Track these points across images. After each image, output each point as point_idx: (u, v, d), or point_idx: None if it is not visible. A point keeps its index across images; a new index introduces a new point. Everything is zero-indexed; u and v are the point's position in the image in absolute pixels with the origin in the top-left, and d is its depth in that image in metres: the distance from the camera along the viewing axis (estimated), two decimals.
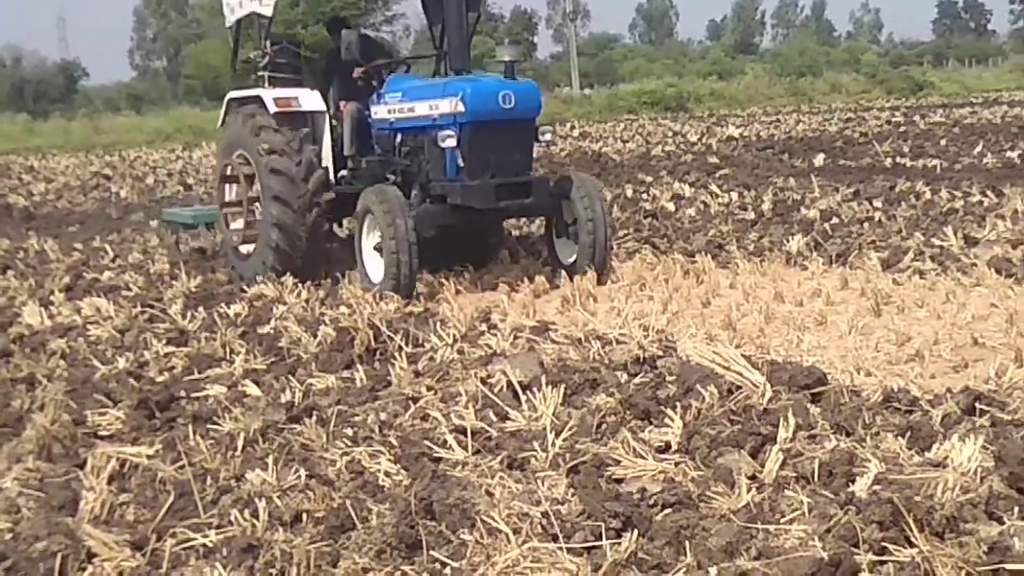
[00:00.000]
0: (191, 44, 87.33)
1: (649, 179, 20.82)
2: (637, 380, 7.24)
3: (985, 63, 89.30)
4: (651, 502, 5.22)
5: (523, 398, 6.84)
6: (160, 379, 8.32)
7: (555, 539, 4.81)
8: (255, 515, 5.29)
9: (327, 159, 12.15)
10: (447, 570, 4.70)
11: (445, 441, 6.20)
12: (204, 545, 5.12)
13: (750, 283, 10.49)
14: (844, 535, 4.58)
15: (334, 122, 12.39)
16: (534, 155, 11.64)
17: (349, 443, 6.37)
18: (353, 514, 5.23)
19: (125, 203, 23.62)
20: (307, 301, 10.63)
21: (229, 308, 10.50)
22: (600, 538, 4.78)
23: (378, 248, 10.76)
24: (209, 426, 6.94)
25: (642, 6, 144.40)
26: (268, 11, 12.15)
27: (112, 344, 9.57)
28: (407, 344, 8.52)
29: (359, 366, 8.16)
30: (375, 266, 10.90)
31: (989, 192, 15.13)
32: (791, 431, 5.76)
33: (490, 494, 5.36)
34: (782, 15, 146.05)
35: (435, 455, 6.06)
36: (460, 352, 8.27)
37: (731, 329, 8.70)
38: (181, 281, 12.07)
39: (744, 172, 21.38)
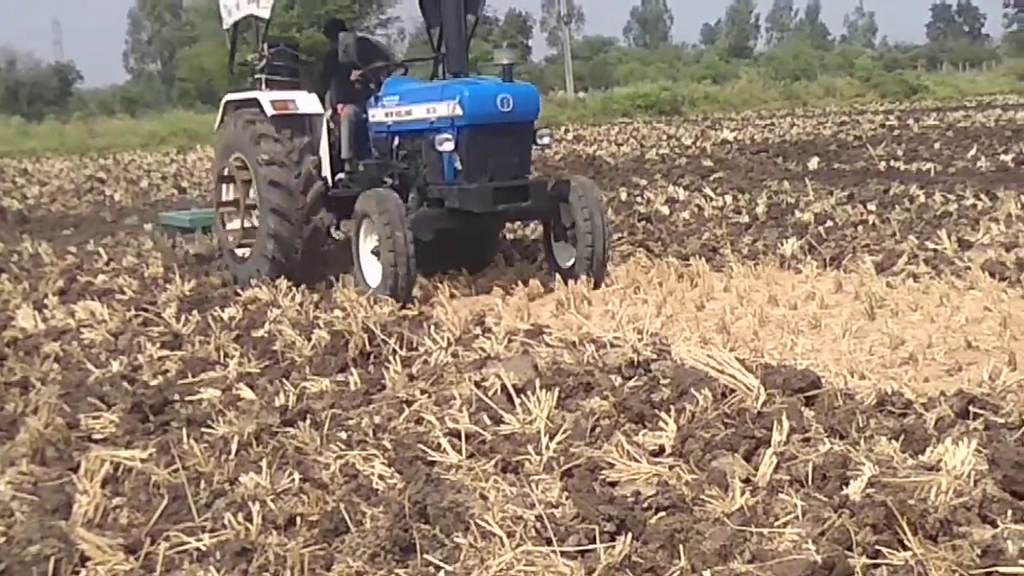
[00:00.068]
0: (185, 47, 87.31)
1: (643, 182, 20.83)
2: (631, 383, 7.24)
3: (979, 67, 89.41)
4: (645, 505, 5.22)
5: (517, 401, 6.84)
6: (154, 383, 8.30)
7: (549, 542, 4.81)
8: (249, 519, 5.28)
9: (324, 162, 12.14)
10: (441, 573, 4.70)
11: (439, 444, 6.20)
12: (198, 549, 5.12)
13: (744, 286, 10.50)
14: (838, 538, 4.58)
15: (331, 125, 12.37)
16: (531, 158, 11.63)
17: (343, 446, 6.37)
18: (347, 517, 5.22)
19: (119, 206, 23.56)
20: (301, 304, 10.63)
21: (223, 312, 10.48)
22: (594, 541, 4.78)
23: (375, 252, 10.74)
24: (203, 430, 6.92)
25: (636, 9, 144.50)
26: (265, 13, 12.13)
27: (106, 348, 9.55)
28: (401, 347, 8.52)
29: (353, 369, 8.16)
30: (372, 270, 10.88)
31: (983, 195, 15.15)
32: (785, 434, 5.76)
33: (484, 497, 5.35)
34: (776, 19, 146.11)
35: (429, 458, 6.06)
36: (454, 355, 8.27)
37: (725, 332, 8.71)
38: (175, 285, 12.04)
39: (738, 175, 21.39)
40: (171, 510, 5.62)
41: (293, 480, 5.87)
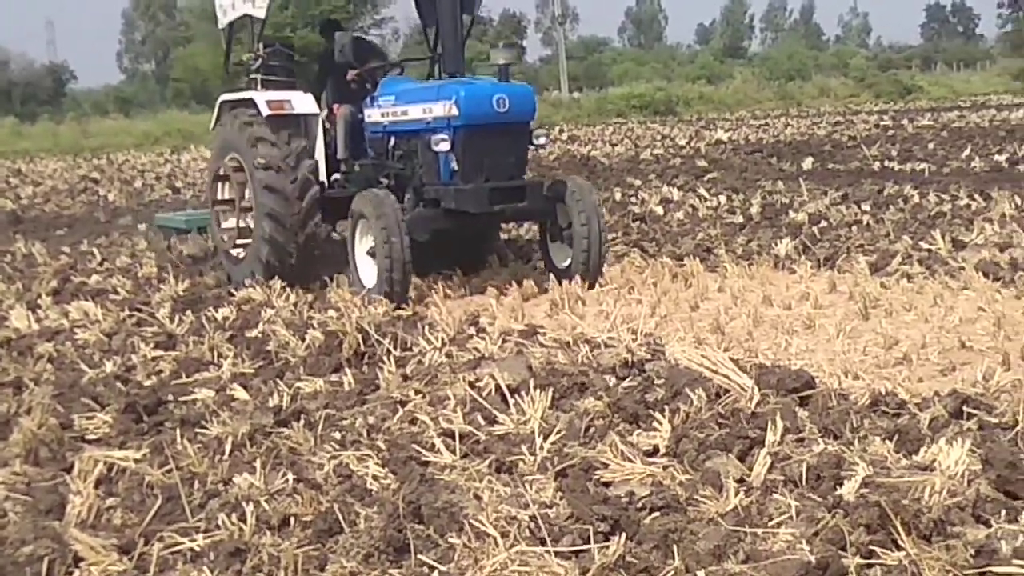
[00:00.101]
0: (179, 47, 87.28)
1: (638, 183, 20.84)
2: (625, 384, 7.24)
3: (973, 67, 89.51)
4: (639, 505, 5.22)
5: (511, 402, 6.84)
6: (148, 383, 8.30)
7: (543, 543, 4.81)
8: (243, 519, 5.28)
9: (320, 163, 12.12)
10: (435, 574, 4.70)
11: (433, 445, 6.20)
12: (191, 549, 5.11)
13: (738, 287, 10.50)
14: (832, 538, 4.58)
15: (327, 125, 12.35)
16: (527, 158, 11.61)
17: (337, 447, 6.37)
18: (341, 518, 5.22)
19: (113, 207, 23.56)
20: (295, 305, 10.62)
21: (217, 312, 10.48)
22: (588, 541, 4.78)
23: (371, 253, 10.71)
24: (197, 430, 6.92)
25: (631, 9, 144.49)
26: (261, 13, 12.10)
27: (99, 348, 9.55)
28: (395, 348, 8.51)
29: (347, 370, 8.15)
30: (368, 271, 10.86)
31: (977, 196, 15.16)
32: (779, 434, 5.77)
33: (478, 498, 5.35)
34: (771, 19, 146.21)
35: (423, 459, 6.06)
36: (448, 356, 8.26)
37: (719, 333, 8.70)
38: (169, 285, 12.04)
39: (733, 176, 21.40)
40: (165, 510, 5.61)
41: (287, 480, 5.87)
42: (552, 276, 11.30)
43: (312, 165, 11.87)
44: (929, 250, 11.45)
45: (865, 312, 9.12)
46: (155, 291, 11.98)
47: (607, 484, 5.56)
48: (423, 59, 13.78)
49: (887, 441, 5.70)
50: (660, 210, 16.28)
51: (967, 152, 22.45)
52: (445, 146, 10.74)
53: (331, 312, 9.91)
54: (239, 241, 12.19)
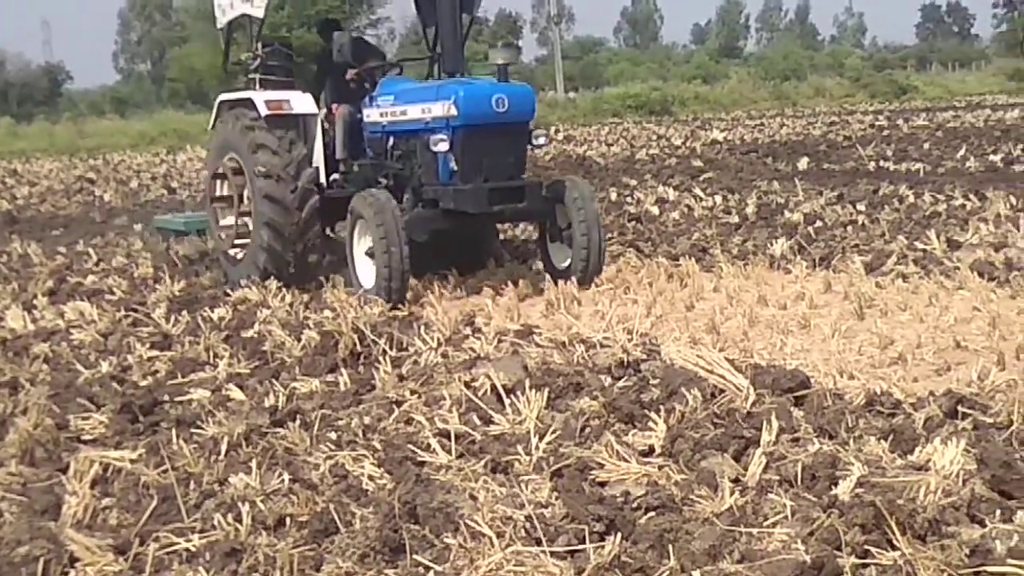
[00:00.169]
0: (175, 47, 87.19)
1: (633, 183, 20.86)
2: (621, 384, 7.24)
3: (968, 67, 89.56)
4: (634, 505, 5.22)
5: (507, 402, 6.84)
6: (143, 383, 8.29)
7: (538, 543, 4.81)
8: (238, 519, 5.28)
9: (319, 162, 12.09)
10: (430, 574, 4.70)
11: (429, 445, 6.20)
12: (187, 549, 5.11)
13: (734, 286, 10.51)
14: (827, 538, 4.58)
15: (326, 125, 12.33)
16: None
17: (333, 447, 6.36)
18: (336, 518, 5.22)
19: (109, 207, 23.55)
20: (291, 305, 10.62)
21: (213, 312, 10.47)
22: (583, 541, 4.78)
23: (369, 253, 10.70)
24: (192, 430, 6.92)
25: (627, 9, 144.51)
26: (259, 12, 12.08)
27: (95, 348, 9.55)
28: (391, 348, 8.50)
29: (343, 370, 8.15)
30: (366, 271, 10.85)
31: (972, 196, 15.19)
32: (774, 434, 5.77)
33: (474, 498, 5.36)
34: (766, 19, 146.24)
35: (419, 459, 6.05)
36: (444, 356, 8.26)
37: (715, 332, 8.71)
38: (165, 285, 12.03)
39: (728, 176, 21.42)
40: (160, 511, 5.61)
41: (283, 481, 5.87)
42: (548, 276, 11.30)
43: (312, 174, 11.82)
44: (924, 250, 11.47)
45: (860, 312, 9.14)
46: (151, 291, 11.98)
47: (603, 484, 5.57)
48: (422, 59, 13.76)
49: (882, 441, 5.71)
50: (656, 210, 16.29)
51: (962, 152, 22.47)
52: (444, 146, 10.72)
53: (327, 312, 9.91)
54: (237, 240, 12.17)
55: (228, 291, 11.60)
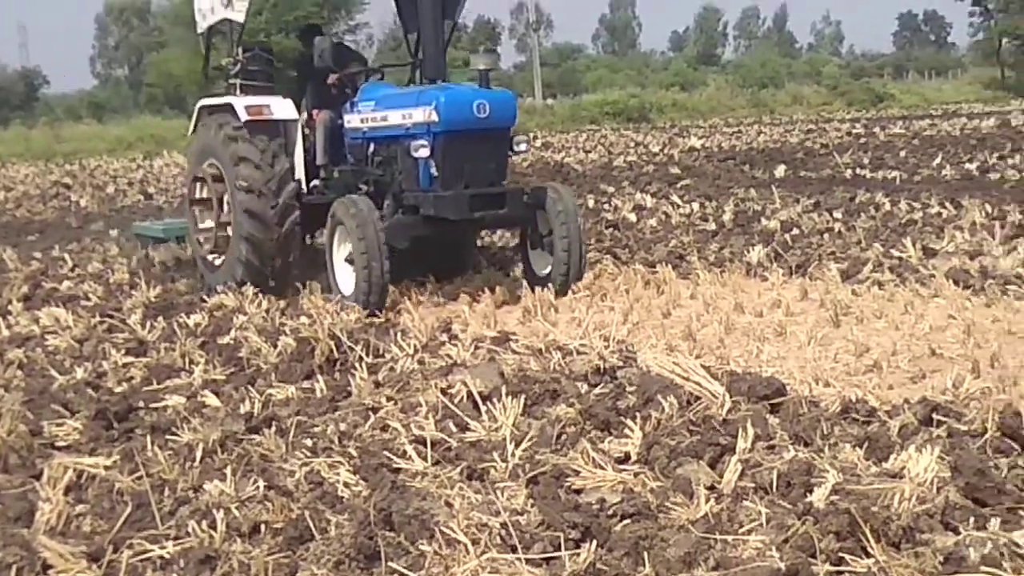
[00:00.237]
0: (153, 52, 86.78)
1: (611, 189, 20.88)
2: (597, 391, 7.24)
3: (945, 75, 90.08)
4: (610, 512, 5.22)
5: (483, 408, 6.84)
6: (118, 389, 8.27)
7: (514, 550, 4.80)
8: (213, 526, 5.26)
9: (299, 169, 12.04)
10: None
11: (405, 452, 6.19)
12: (161, 556, 5.09)
13: (710, 294, 10.52)
14: (802, 545, 4.59)
15: (306, 131, 12.29)
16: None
17: (308, 454, 6.35)
18: (312, 525, 5.21)
19: (85, 212, 23.51)
20: (267, 311, 10.59)
21: (189, 318, 10.45)
22: (559, 549, 4.78)
23: (349, 260, 10.66)
24: (167, 437, 6.89)
25: (605, 17, 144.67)
26: (240, 17, 12.02)
27: (70, 354, 9.51)
28: (367, 354, 8.50)
29: (319, 376, 8.14)
30: (346, 278, 10.81)
31: (947, 204, 15.25)
32: (750, 441, 5.78)
33: (449, 505, 5.35)
34: (744, 26, 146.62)
35: (394, 466, 6.05)
36: (421, 362, 8.25)
37: (691, 340, 8.73)
38: (141, 291, 12.00)
39: (705, 183, 21.47)
40: (135, 517, 5.59)
41: (258, 487, 5.85)
42: (525, 283, 11.29)
43: (295, 189, 11.74)
44: (900, 258, 11.51)
45: (836, 319, 9.16)
46: (127, 297, 11.94)
47: (578, 491, 5.56)
48: (404, 65, 13.73)
49: (857, 448, 5.73)
50: (633, 217, 16.32)
51: (938, 160, 22.56)
52: (425, 152, 10.68)
53: (303, 319, 9.90)
54: (216, 246, 12.10)
55: (204, 297, 11.57)
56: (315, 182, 12.21)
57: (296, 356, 8.72)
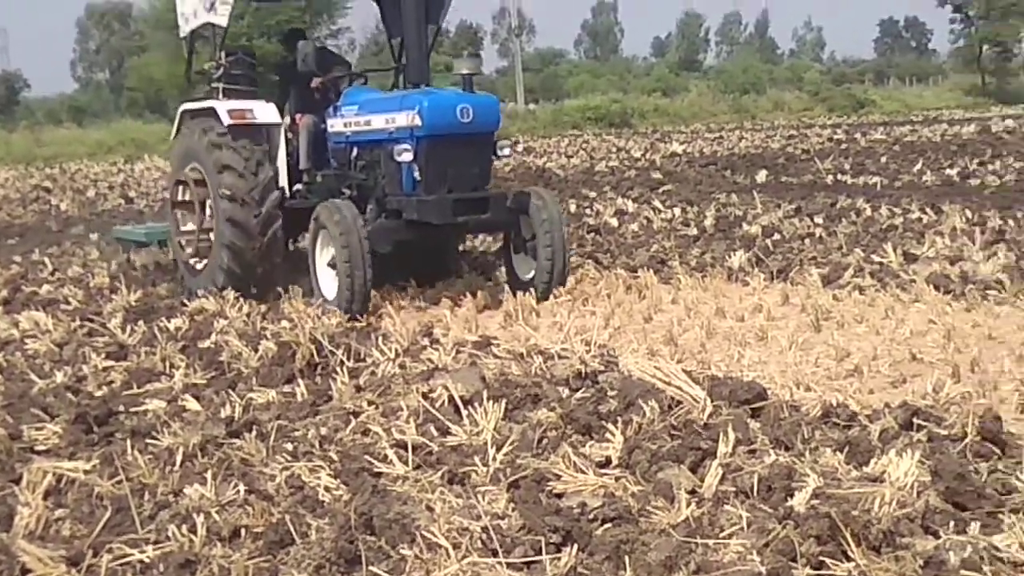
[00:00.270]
0: (134, 56, 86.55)
1: (593, 194, 20.89)
2: (578, 395, 7.25)
3: (926, 82, 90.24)
4: (591, 517, 5.22)
5: (464, 413, 6.83)
6: (98, 394, 8.24)
7: (495, 554, 4.80)
8: (193, 530, 5.25)
9: (282, 173, 12.00)
10: None
11: (386, 456, 6.18)
12: (141, 561, 5.07)
13: (692, 298, 10.53)
14: (782, 549, 4.60)
15: (289, 135, 12.25)
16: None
17: (289, 458, 6.34)
18: (292, 529, 5.20)
19: (65, 216, 23.43)
20: (248, 315, 10.57)
21: (169, 322, 10.41)
22: (540, 553, 4.78)
23: (332, 264, 10.64)
24: (147, 441, 6.88)
25: (587, 22, 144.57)
26: (223, 21, 11.99)
27: (50, 358, 9.48)
28: (349, 359, 8.48)
29: (300, 380, 8.12)
30: (328, 282, 10.78)
31: (928, 209, 15.29)
32: (731, 446, 5.79)
33: (430, 509, 5.35)
34: (726, 32, 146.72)
35: (375, 470, 6.04)
36: (402, 367, 8.25)
37: (673, 344, 8.74)
38: (121, 295, 11.95)
39: (687, 188, 21.51)
40: (114, 522, 5.56)
41: (238, 492, 5.83)
42: (506, 287, 11.28)
43: (278, 198, 11.67)
44: (881, 263, 11.54)
45: (817, 324, 9.18)
46: (107, 301, 11.90)
47: (559, 495, 5.56)
48: (388, 69, 13.71)
49: (838, 452, 5.74)
50: (615, 222, 16.33)
51: (919, 166, 22.66)
52: (408, 156, 10.66)
53: (284, 323, 9.87)
54: (198, 247, 12.03)
55: (185, 301, 11.54)
56: (298, 186, 12.18)
57: (277, 360, 8.69)
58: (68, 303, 11.91)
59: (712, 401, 6.58)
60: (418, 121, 10.62)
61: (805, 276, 11.12)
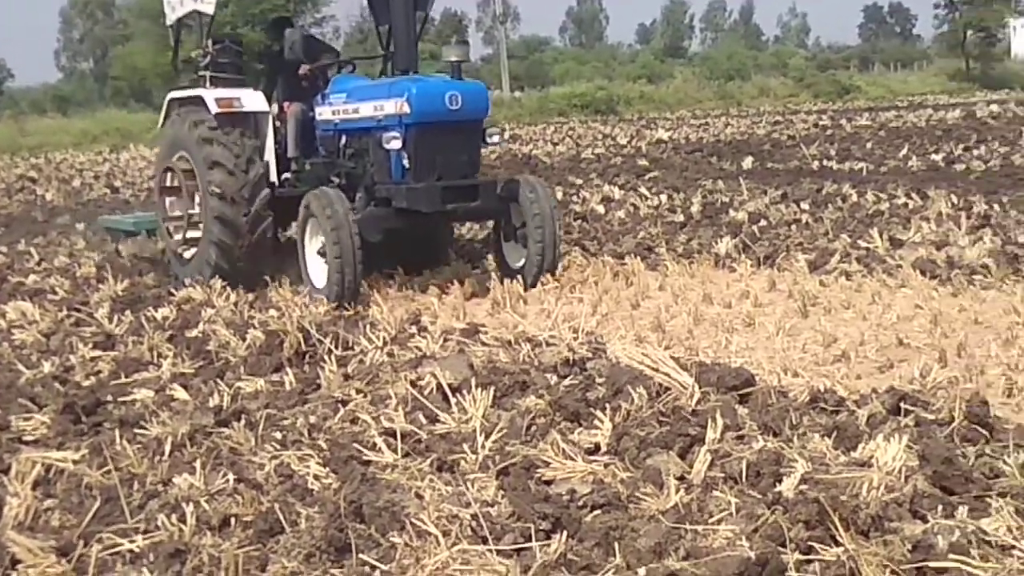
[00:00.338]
0: (118, 46, 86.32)
1: (579, 181, 20.86)
2: (567, 382, 7.25)
3: (910, 67, 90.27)
4: (580, 503, 5.23)
5: (453, 400, 6.84)
6: (86, 383, 8.22)
7: (484, 541, 4.81)
8: (182, 520, 5.25)
9: (270, 162, 11.97)
10: (376, 573, 4.69)
11: (374, 444, 6.19)
12: (131, 551, 5.07)
13: (679, 285, 10.55)
14: (771, 535, 4.61)
15: (277, 123, 12.20)
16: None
17: (278, 447, 6.34)
18: (282, 518, 5.20)
19: (51, 206, 23.35)
20: (236, 304, 10.55)
21: (157, 312, 10.39)
22: (529, 540, 4.79)
23: (321, 252, 10.61)
24: (136, 431, 6.87)
25: (572, 9, 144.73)
26: (209, 9, 11.94)
27: (37, 348, 9.46)
28: (337, 347, 8.48)
29: (288, 369, 8.12)
30: (318, 271, 10.74)
31: (914, 194, 15.32)
32: (719, 432, 5.80)
33: (419, 496, 5.36)
34: (711, 19, 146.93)
35: (364, 458, 6.04)
36: (390, 355, 8.25)
37: (660, 331, 8.75)
38: (108, 285, 11.93)
39: (673, 175, 21.50)
40: (103, 512, 5.56)
41: (227, 481, 5.83)
42: (494, 275, 11.28)
43: (267, 196, 11.59)
44: (867, 248, 11.56)
45: (804, 310, 9.20)
46: (94, 291, 11.88)
47: (548, 482, 5.57)
48: (376, 57, 13.67)
49: (826, 438, 5.75)
50: (601, 209, 16.32)
51: (904, 151, 22.69)
52: (397, 144, 10.63)
53: (272, 311, 9.87)
54: (186, 236, 11.98)
55: (172, 290, 11.52)
56: (286, 175, 12.14)
57: (265, 349, 8.69)
58: (55, 293, 11.89)
59: (700, 387, 6.59)
60: (407, 108, 10.58)
61: (792, 262, 11.14)
